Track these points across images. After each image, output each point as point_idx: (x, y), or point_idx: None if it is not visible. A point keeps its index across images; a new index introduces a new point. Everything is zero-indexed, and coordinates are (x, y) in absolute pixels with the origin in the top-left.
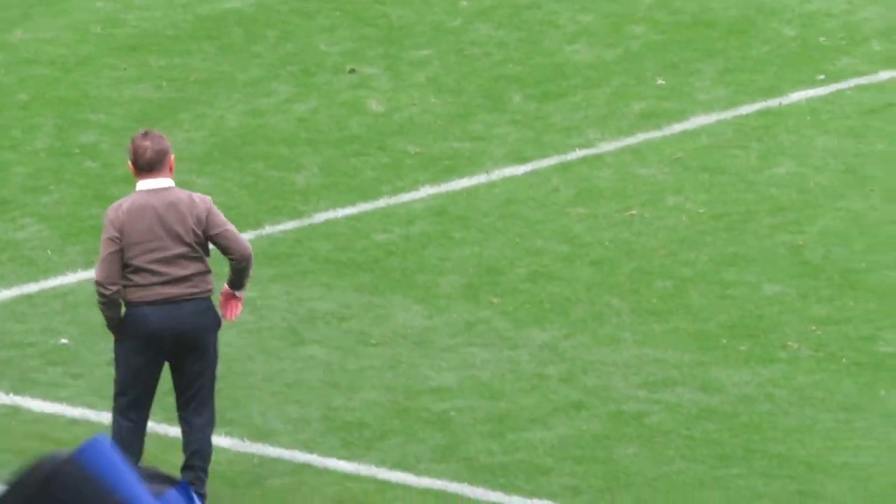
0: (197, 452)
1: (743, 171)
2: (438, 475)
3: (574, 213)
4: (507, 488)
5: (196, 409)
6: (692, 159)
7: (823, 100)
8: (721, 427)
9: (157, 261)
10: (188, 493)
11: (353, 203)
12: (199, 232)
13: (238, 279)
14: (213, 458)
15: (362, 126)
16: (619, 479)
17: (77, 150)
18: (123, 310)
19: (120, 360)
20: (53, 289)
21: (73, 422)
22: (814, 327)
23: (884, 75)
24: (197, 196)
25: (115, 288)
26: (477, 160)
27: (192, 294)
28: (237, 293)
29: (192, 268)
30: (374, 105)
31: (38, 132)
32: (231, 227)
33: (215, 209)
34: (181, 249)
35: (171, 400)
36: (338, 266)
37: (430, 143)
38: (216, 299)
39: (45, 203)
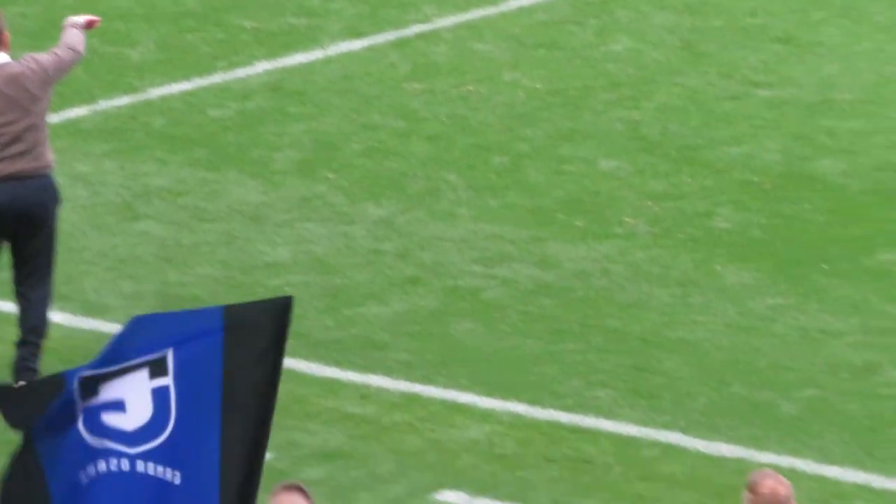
0: (33, 329)
1: (580, 48)
2: None
3: (410, 89)
4: (342, 364)
5: (34, 284)
6: (528, 35)
7: None
8: (557, 302)
9: (1, 137)
10: None
11: (188, 78)
12: (49, 90)
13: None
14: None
15: (197, 1)
16: (455, 354)
17: None
18: None
19: None
20: None
21: None
22: (650, 203)
23: None
24: (30, 58)
25: None
26: (313, 35)
27: (35, 169)
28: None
29: (34, 140)
30: None
31: None
32: (59, 51)
33: (44, 56)
34: (26, 122)
35: (4, 275)
36: (173, 141)
37: (265, 18)
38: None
39: None
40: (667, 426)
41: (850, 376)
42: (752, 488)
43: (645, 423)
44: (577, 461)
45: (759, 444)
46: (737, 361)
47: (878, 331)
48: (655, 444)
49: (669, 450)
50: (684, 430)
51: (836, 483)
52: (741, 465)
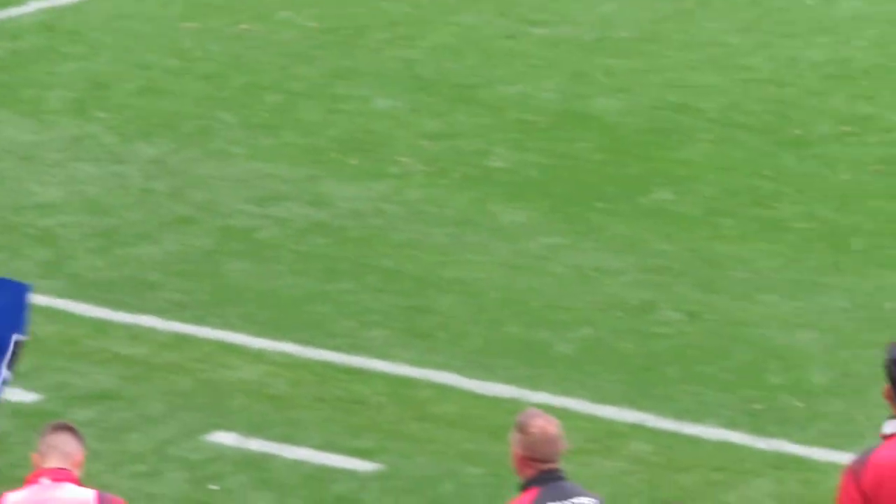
0: None
1: None
2: (45, 291)
3: (184, 28)
4: (114, 304)
5: None
6: None
7: None
8: (331, 242)
9: None
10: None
11: None
12: None
13: None
14: None
15: None
16: (227, 294)
17: None
18: None
19: None
20: None
21: None
22: (425, 142)
23: None
24: None
25: None
26: None
27: None
28: None
29: None
30: None
31: None
32: None
33: None
34: None
35: None
36: None
37: None
38: None
39: None
40: (441, 366)
41: (625, 315)
42: (522, 428)
43: (419, 364)
44: (349, 402)
45: (533, 383)
46: (512, 301)
47: (654, 269)
48: (430, 385)
49: (444, 390)
50: (459, 371)
51: (610, 423)
52: (516, 405)
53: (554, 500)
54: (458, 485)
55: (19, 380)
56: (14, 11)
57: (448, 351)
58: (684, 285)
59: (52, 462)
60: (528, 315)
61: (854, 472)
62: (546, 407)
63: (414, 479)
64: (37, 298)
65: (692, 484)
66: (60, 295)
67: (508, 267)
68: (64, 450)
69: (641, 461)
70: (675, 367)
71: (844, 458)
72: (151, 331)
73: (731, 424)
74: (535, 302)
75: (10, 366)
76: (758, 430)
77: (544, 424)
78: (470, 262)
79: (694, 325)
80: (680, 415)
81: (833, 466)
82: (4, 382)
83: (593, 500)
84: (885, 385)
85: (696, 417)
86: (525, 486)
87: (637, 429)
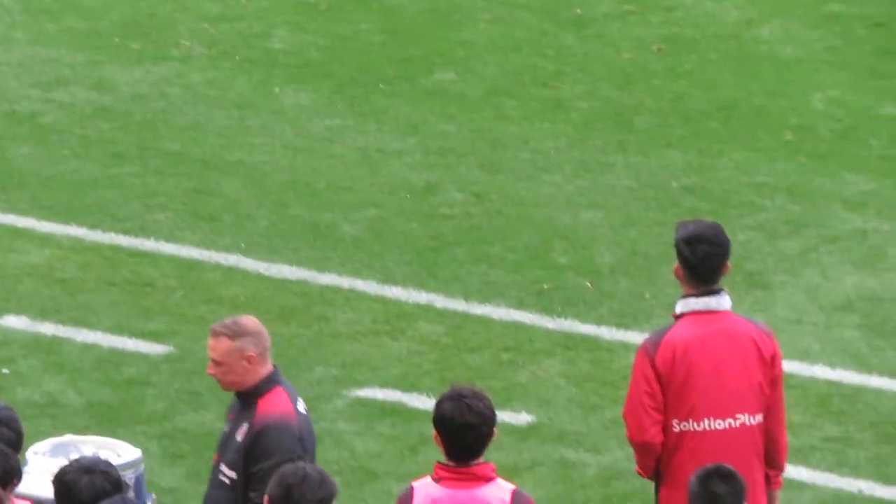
0: None
1: None
2: None
3: None
4: None
5: None
6: None
7: None
8: (115, 126)
9: None
10: None
11: None
12: None
13: None
14: None
15: None
16: (14, 178)
17: None
18: None
19: None
20: None
21: None
22: (206, 25)
23: None
24: None
25: None
26: None
27: None
28: None
29: None
30: None
31: None
32: None
33: None
34: None
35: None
36: None
37: None
38: None
39: None
40: (228, 249)
41: (410, 196)
42: (244, 330)
43: (206, 246)
44: (138, 284)
45: (320, 265)
46: (296, 183)
47: (437, 151)
48: (217, 267)
49: (231, 272)
50: (245, 253)
51: (398, 304)
52: (303, 287)
53: (297, 396)
54: None
55: None
56: None
57: (234, 233)
58: (468, 166)
59: None
60: (313, 197)
61: (648, 351)
62: (334, 289)
63: (204, 362)
64: None
65: (482, 364)
66: None
67: (292, 149)
68: None
69: (431, 342)
70: (461, 248)
71: (633, 337)
72: None
73: (520, 304)
74: (320, 184)
75: None
76: (546, 309)
77: (251, 318)
78: (253, 144)
79: (479, 205)
80: (468, 295)
81: (622, 346)
82: None
83: None
84: (675, 264)
85: (485, 298)
86: (268, 386)
87: (425, 310)
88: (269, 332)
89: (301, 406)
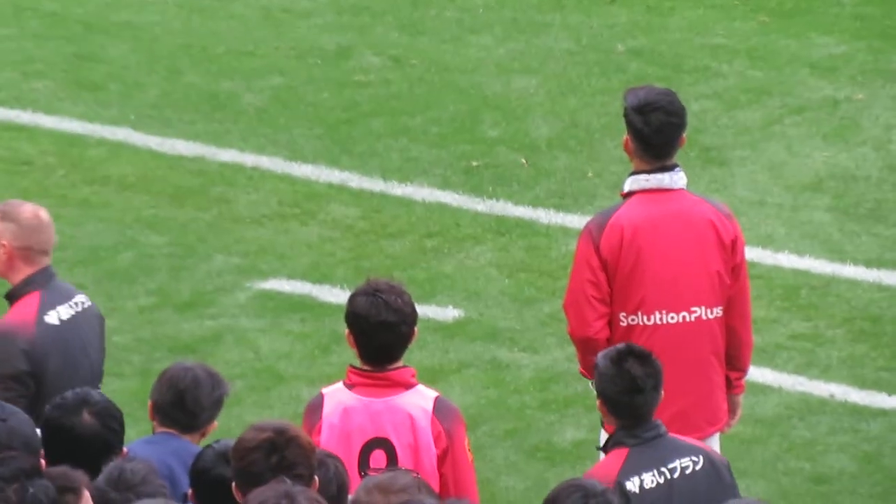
0: None
1: None
2: None
3: None
4: None
5: None
6: None
7: None
8: None
9: None
10: None
11: None
12: None
13: None
14: None
15: None
16: None
17: None
18: None
19: None
20: None
21: None
22: None
23: None
24: None
25: None
26: None
27: None
28: None
29: None
30: None
31: None
32: None
33: None
34: None
35: None
36: None
37: None
38: None
39: None
40: (114, 122)
41: (320, 62)
42: (9, 216)
43: (90, 119)
44: (14, 163)
45: (219, 140)
46: (191, 47)
47: (350, 10)
48: (102, 143)
49: (118, 148)
50: (134, 126)
51: (307, 182)
52: (200, 164)
53: (57, 304)
54: (138, 254)
55: None
56: None
57: (121, 104)
58: (386, 27)
59: None
60: (210, 63)
61: (591, 235)
62: (235, 167)
63: (88, 249)
64: None
65: (403, 251)
66: None
67: (186, 8)
68: None
69: (345, 226)
70: (378, 120)
71: (574, 220)
72: None
73: (445, 184)
74: (218, 48)
75: None
76: (475, 189)
77: (35, 210)
78: (142, 3)
79: (398, 71)
80: (387, 174)
81: (561, 230)
82: None
83: (83, 295)
84: (624, 137)
85: (405, 176)
86: (24, 289)
87: (339, 190)
88: (164, 216)
89: (57, 315)
